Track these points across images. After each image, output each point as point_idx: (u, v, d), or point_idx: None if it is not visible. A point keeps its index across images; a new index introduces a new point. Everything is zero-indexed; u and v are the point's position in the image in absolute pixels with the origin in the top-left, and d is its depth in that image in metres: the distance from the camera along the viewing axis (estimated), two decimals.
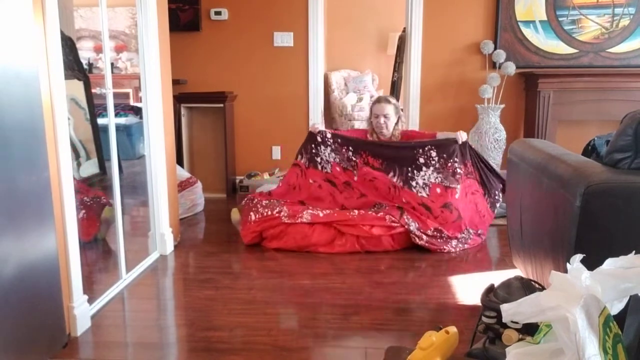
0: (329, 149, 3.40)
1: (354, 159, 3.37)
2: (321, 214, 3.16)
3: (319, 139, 3.41)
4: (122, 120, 3.72)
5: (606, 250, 1.30)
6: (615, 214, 1.62)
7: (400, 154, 3.28)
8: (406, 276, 2.79)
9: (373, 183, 3.31)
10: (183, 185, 3.90)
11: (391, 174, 3.27)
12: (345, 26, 7.10)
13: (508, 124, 4.54)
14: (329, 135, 3.42)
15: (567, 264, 1.23)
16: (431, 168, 3.20)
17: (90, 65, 3.47)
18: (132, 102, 4.19)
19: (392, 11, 6.84)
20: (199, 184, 4.15)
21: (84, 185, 3.01)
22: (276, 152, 4.82)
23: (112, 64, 2.80)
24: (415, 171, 3.22)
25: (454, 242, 3.14)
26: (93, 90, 3.19)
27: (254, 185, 4.55)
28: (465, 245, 3.16)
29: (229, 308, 2.39)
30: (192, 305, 2.44)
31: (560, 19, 4.48)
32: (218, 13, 4.65)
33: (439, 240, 3.12)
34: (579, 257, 1.23)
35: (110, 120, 2.59)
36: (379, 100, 3.56)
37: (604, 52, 4.50)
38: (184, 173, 4.12)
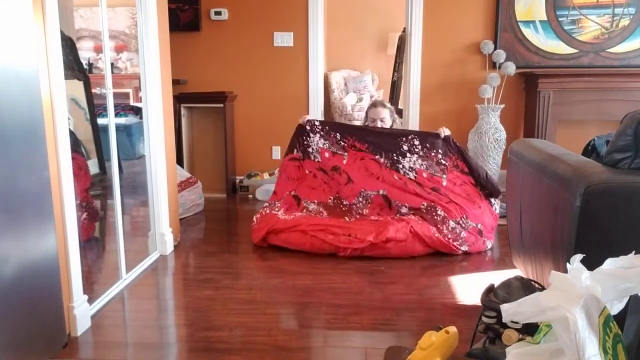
0: (317, 135, 3.49)
1: (342, 142, 3.48)
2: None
3: (308, 127, 3.49)
4: (122, 120, 3.71)
5: (606, 250, 1.30)
6: (615, 214, 1.62)
7: (384, 141, 3.41)
8: (406, 276, 2.79)
9: (364, 162, 3.40)
10: (183, 185, 3.90)
11: (378, 156, 3.39)
12: (345, 26, 7.10)
13: (508, 124, 4.54)
14: (317, 123, 3.54)
15: (567, 263, 1.23)
16: (415, 155, 3.33)
17: (90, 65, 3.46)
18: (132, 102, 4.19)
19: (392, 11, 6.84)
20: (199, 184, 4.15)
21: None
22: (276, 152, 4.81)
23: (112, 64, 2.79)
24: (400, 157, 3.35)
25: (451, 224, 3.06)
26: (93, 90, 3.19)
27: (254, 185, 4.55)
28: (464, 234, 3.05)
29: (229, 308, 2.39)
30: (192, 305, 2.44)
31: (560, 19, 4.48)
32: (218, 13, 4.65)
33: (432, 217, 3.07)
34: (579, 257, 1.23)
35: (110, 120, 2.59)
36: (374, 105, 3.69)
37: (604, 52, 4.50)
38: (184, 173, 4.12)
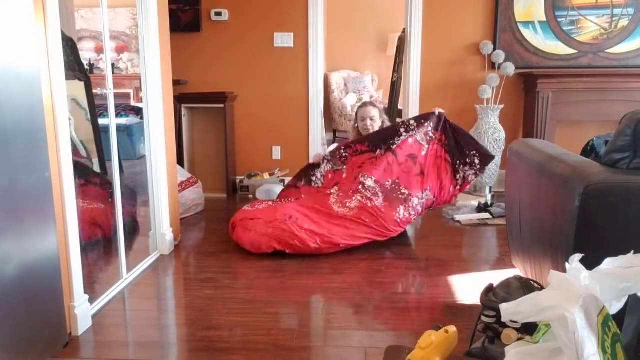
0: (325, 162, 3.59)
1: (344, 154, 3.56)
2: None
3: (322, 162, 3.60)
4: (123, 121, 3.72)
5: (605, 249, 1.30)
6: (614, 213, 1.63)
7: (384, 132, 3.56)
8: (406, 276, 2.80)
9: (361, 170, 3.45)
10: (183, 186, 3.91)
11: (378, 151, 3.47)
12: (345, 27, 7.10)
13: (507, 124, 4.55)
14: (328, 154, 3.64)
15: (566, 263, 1.24)
16: (412, 131, 3.44)
17: (91, 65, 3.47)
18: (132, 103, 4.19)
19: (392, 12, 6.84)
20: (200, 184, 4.16)
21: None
22: (276, 152, 4.82)
23: (112, 65, 2.80)
24: (396, 137, 3.44)
25: (415, 201, 3.24)
26: (94, 91, 3.20)
27: (254, 185, 4.55)
28: (419, 208, 3.25)
29: (229, 307, 2.40)
30: (192, 305, 2.45)
31: (559, 19, 4.49)
32: (218, 14, 4.65)
33: (397, 196, 3.23)
34: (577, 256, 1.24)
35: (111, 121, 2.59)
36: (364, 105, 3.81)
37: (603, 53, 4.50)
38: (184, 173, 4.12)
